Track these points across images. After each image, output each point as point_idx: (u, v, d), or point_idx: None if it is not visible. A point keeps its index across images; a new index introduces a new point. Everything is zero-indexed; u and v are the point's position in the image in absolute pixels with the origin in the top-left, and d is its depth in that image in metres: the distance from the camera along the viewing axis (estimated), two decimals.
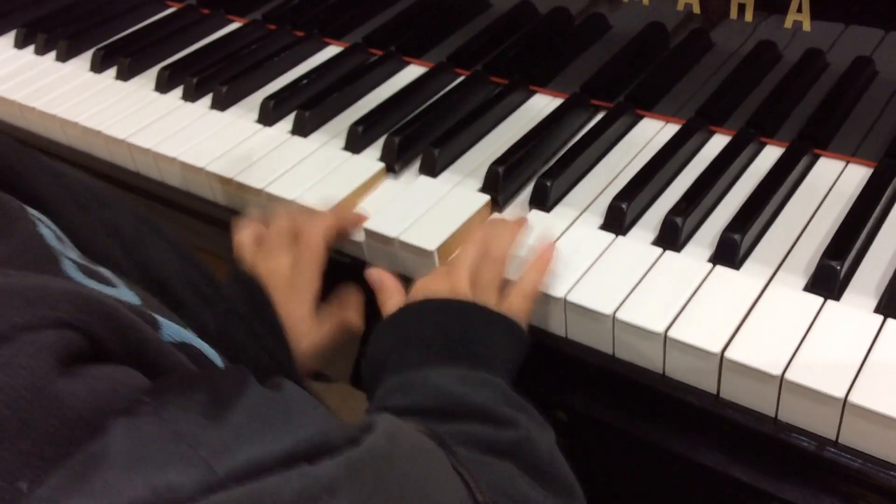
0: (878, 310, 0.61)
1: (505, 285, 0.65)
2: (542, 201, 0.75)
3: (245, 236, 0.73)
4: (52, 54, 1.08)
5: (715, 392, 0.61)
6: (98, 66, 1.04)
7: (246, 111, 0.93)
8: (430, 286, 0.64)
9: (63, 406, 0.32)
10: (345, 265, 0.75)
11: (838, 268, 0.62)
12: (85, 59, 1.06)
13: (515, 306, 0.63)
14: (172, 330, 0.42)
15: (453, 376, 0.55)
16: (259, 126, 0.91)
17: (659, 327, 0.61)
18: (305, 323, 0.68)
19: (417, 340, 0.59)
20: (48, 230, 0.44)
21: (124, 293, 0.43)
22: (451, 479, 0.42)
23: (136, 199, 0.91)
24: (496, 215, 0.75)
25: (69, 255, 0.42)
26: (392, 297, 0.67)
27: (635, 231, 0.71)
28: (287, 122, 0.90)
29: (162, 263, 0.57)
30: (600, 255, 0.68)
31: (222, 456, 0.33)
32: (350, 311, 0.71)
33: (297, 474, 0.34)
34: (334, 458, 0.35)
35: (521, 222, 0.70)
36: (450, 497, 0.41)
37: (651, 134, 0.83)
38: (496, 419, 0.52)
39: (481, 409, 0.52)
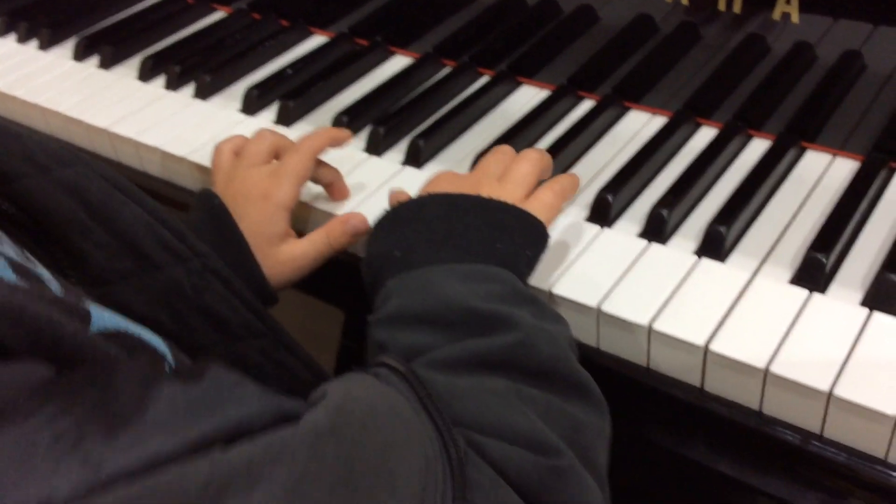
0: (863, 303, 0.61)
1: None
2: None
3: (226, 144, 0.73)
4: (35, 42, 1.07)
5: (699, 385, 0.60)
6: (80, 55, 1.03)
7: (229, 101, 0.92)
8: (448, 180, 0.63)
9: None
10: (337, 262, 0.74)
11: (824, 261, 0.62)
12: (67, 47, 1.05)
13: (545, 199, 0.62)
14: (105, 319, 0.40)
15: (456, 273, 0.54)
16: (242, 116, 0.90)
17: (643, 320, 0.60)
18: (280, 237, 0.67)
19: (423, 237, 0.58)
20: None
21: (54, 288, 0.42)
22: (416, 439, 0.40)
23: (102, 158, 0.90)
24: None
25: (6, 252, 0.41)
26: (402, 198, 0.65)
27: (621, 223, 0.70)
28: (271, 112, 0.89)
29: (132, 224, 0.56)
30: (586, 247, 0.68)
31: (109, 456, 0.31)
32: (337, 221, 0.69)
33: (203, 462, 0.32)
34: (253, 441, 0.33)
35: (547, 157, 0.68)
36: (410, 464, 0.38)
37: (638, 126, 0.82)
38: (491, 323, 0.50)
39: (476, 314, 0.51)
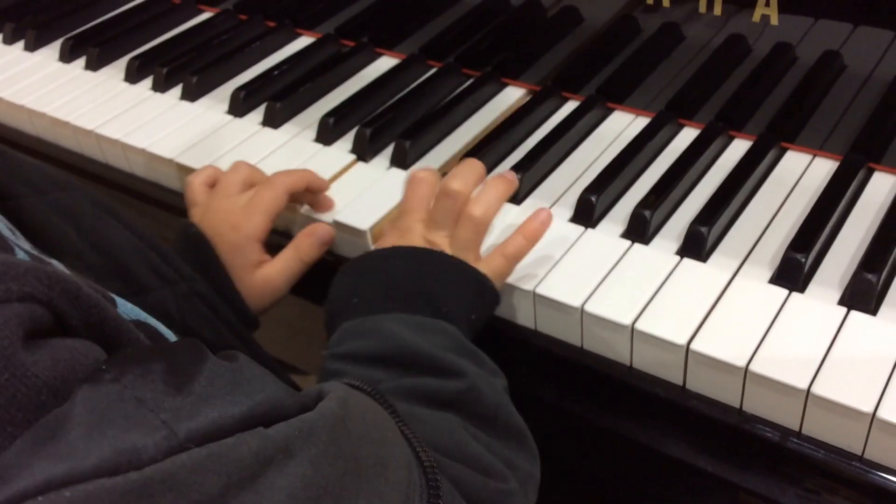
0: (841, 302, 0.62)
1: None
2: (513, 194, 0.75)
3: (198, 178, 0.74)
4: (21, 44, 1.07)
5: (681, 384, 0.61)
6: (67, 56, 1.03)
7: (216, 102, 0.93)
8: (408, 235, 0.64)
9: (29, 374, 0.33)
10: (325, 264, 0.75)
11: (803, 260, 0.63)
12: (54, 48, 1.05)
13: (493, 264, 0.63)
14: (128, 308, 0.43)
15: (408, 322, 0.56)
16: (229, 117, 0.90)
17: (626, 320, 0.61)
18: (253, 266, 0.68)
19: (378, 285, 0.60)
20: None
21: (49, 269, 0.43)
22: (399, 440, 0.44)
23: (93, 184, 0.91)
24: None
25: (22, 245, 0.42)
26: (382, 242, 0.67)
27: (605, 224, 0.71)
28: (258, 114, 0.90)
29: (120, 245, 0.58)
30: (570, 247, 0.68)
31: (182, 419, 0.34)
32: (303, 235, 0.71)
33: (253, 436, 0.35)
34: (288, 423, 0.37)
35: (508, 181, 0.67)
36: (399, 457, 0.42)
37: (621, 127, 0.83)
38: (442, 368, 0.53)
39: (428, 358, 0.53)
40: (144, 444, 0.32)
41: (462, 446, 0.50)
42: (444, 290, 0.59)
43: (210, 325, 0.60)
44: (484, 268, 0.62)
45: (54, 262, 0.44)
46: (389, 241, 0.64)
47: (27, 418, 0.33)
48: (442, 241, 0.64)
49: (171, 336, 0.46)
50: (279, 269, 0.69)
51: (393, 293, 0.59)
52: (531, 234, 0.64)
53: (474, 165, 0.67)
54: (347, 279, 0.62)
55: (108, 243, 0.57)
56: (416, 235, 0.64)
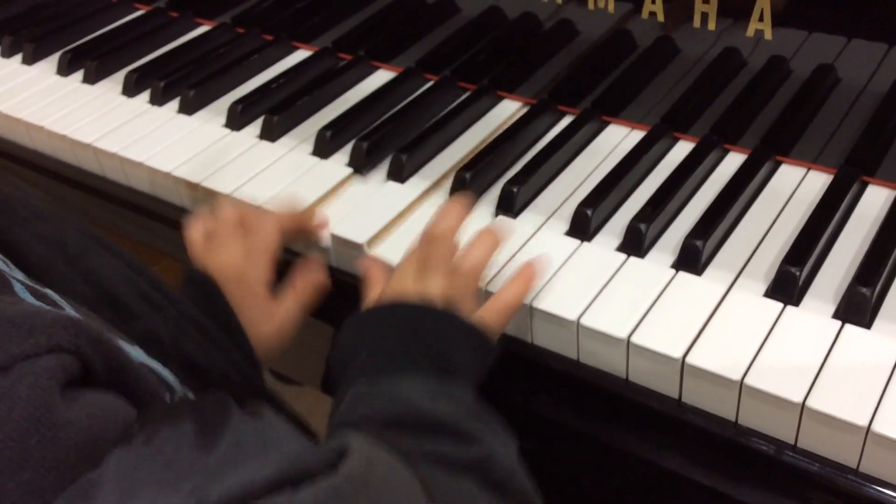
0: (836, 315, 0.62)
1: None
2: (509, 207, 0.75)
3: (195, 232, 0.73)
4: (18, 57, 1.08)
5: (677, 397, 0.61)
6: (65, 70, 1.03)
7: (214, 115, 0.93)
8: (405, 286, 0.64)
9: (61, 435, 0.33)
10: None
11: (798, 274, 0.63)
12: (51, 62, 1.05)
13: (491, 314, 0.63)
14: (131, 352, 0.43)
15: (422, 389, 0.55)
16: (227, 130, 0.90)
17: (622, 333, 0.61)
18: (261, 310, 0.68)
19: (388, 345, 0.59)
20: None
21: (69, 314, 0.43)
22: (419, 499, 0.43)
23: (91, 198, 0.91)
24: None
25: (17, 276, 0.42)
26: (373, 288, 0.67)
27: (600, 237, 0.72)
28: (255, 127, 0.90)
29: (108, 273, 0.57)
30: (565, 260, 0.69)
31: (213, 483, 0.33)
32: (300, 281, 0.71)
33: (283, 500, 0.34)
34: (315, 485, 0.36)
35: (494, 236, 0.67)
36: None
37: (616, 140, 0.84)
38: (461, 436, 0.52)
39: (447, 425, 0.53)
40: None
41: None
42: (449, 348, 0.59)
43: (204, 351, 0.60)
44: (482, 317, 0.62)
45: (49, 291, 0.44)
46: (406, 293, 0.63)
47: (58, 482, 0.32)
48: (437, 292, 0.62)
49: (169, 377, 0.45)
50: (283, 317, 0.69)
51: (398, 352, 0.59)
52: (527, 280, 0.65)
53: (453, 207, 0.66)
54: (353, 332, 0.62)
55: (95, 271, 0.57)
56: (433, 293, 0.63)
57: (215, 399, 0.39)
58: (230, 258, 0.69)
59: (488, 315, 0.63)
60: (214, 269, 0.68)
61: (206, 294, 0.66)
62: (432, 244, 0.64)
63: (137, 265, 0.60)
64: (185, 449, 0.35)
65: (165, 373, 0.45)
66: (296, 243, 0.76)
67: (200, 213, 0.75)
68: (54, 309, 0.40)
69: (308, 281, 0.71)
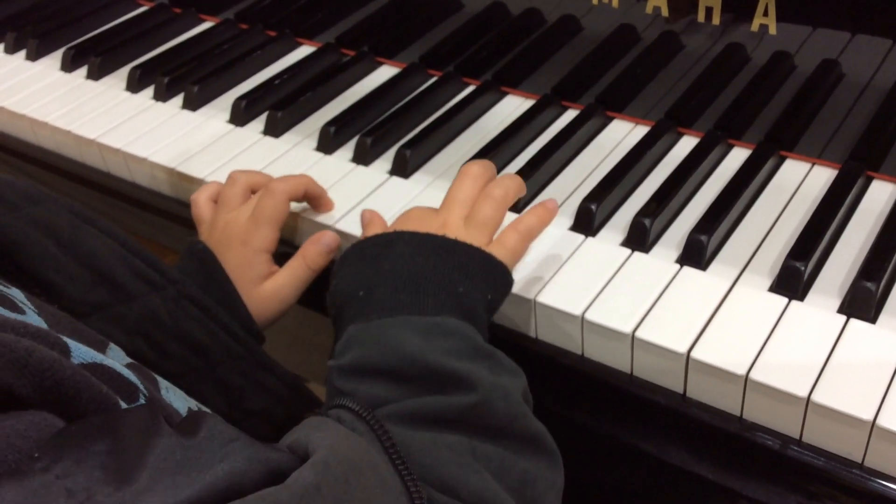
0: (841, 310, 0.62)
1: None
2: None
3: (201, 194, 0.74)
4: (22, 53, 1.08)
5: (682, 392, 0.61)
6: (68, 66, 1.03)
7: (217, 111, 0.93)
8: (417, 219, 0.63)
9: None
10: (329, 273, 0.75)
11: (802, 269, 0.63)
12: (55, 58, 1.05)
13: (508, 242, 0.62)
14: (82, 352, 0.40)
15: (416, 327, 0.54)
16: (231, 126, 0.90)
17: (626, 328, 0.61)
18: (263, 278, 0.68)
19: (387, 279, 0.57)
20: None
21: (32, 318, 0.42)
22: (390, 497, 0.42)
23: (95, 193, 0.91)
24: None
25: None
26: (372, 227, 0.66)
27: (604, 232, 0.72)
28: (259, 123, 0.90)
29: (103, 254, 0.57)
30: (570, 255, 0.69)
31: None
32: (310, 244, 0.70)
33: None
34: (244, 501, 0.34)
35: (521, 180, 0.68)
36: None
37: (621, 136, 0.83)
38: (450, 382, 0.51)
39: (435, 371, 0.51)
40: None
41: (465, 480, 0.47)
42: (456, 275, 0.57)
43: (205, 328, 0.59)
44: (499, 247, 0.61)
45: (13, 292, 0.43)
46: (419, 224, 0.62)
47: None
48: (457, 220, 0.62)
49: (130, 376, 0.43)
50: (287, 278, 0.69)
51: (401, 284, 0.57)
52: (544, 215, 0.65)
53: (488, 161, 0.68)
54: (350, 268, 0.60)
55: (90, 253, 0.56)
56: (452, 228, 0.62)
57: (140, 417, 0.36)
58: (237, 217, 0.69)
59: (508, 239, 0.62)
60: (220, 235, 0.68)
61: (206, 266, 0.66)
62: (467, 178, 0.64)
63: (133, 245, 0.59)
64: (89, 474, 0.32)
65: (126, 371, 0.42)
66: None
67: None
68: (13, 315, 0.38)
69: (318, 243, 0.70)
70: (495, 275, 0.59)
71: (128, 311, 0.55)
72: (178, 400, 0.47)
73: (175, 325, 0.58)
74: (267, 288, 0.68)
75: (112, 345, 0.47)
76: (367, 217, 0.69)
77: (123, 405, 0.39)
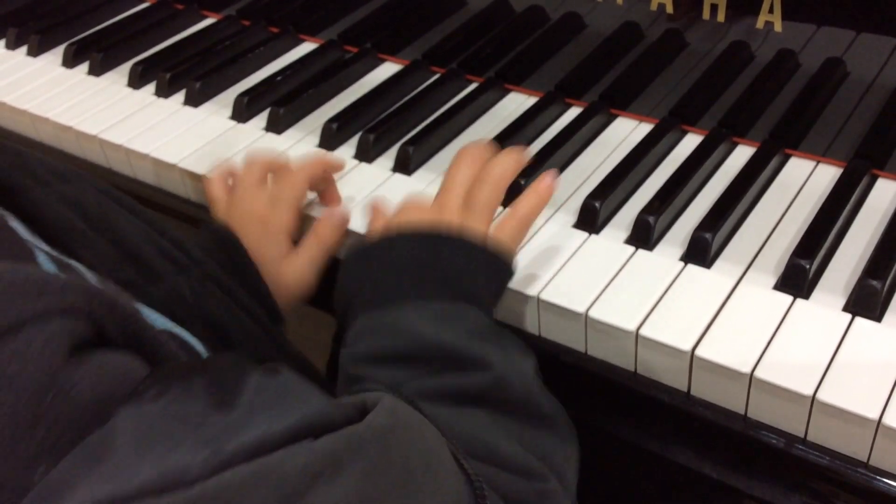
0: (846, 308, 0.62)
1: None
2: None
3: (216, 180, 0.74)
4: (24, 49, 1.07)
5: (686, 390, 0.61)
6: (70, 61, 1.03)
7: (220, 107, 0.93)
8: (415, 212, 0.63)
9: (73, 394, 0.33)
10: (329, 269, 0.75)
11: (807, 267, 0.63)
12: (57, 53, 1.05)
13: (507, 229, 0.62)
14: (154, 318, 0.43)
15: (426, 312, 0.55)
16: (233, 123, 0.90)
17: (630, 325, 0.61)
18: (283, 256, 0.68)
19: (390, 269, 0.58)
20: (17, 224, 0.44)
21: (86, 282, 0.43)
22: (445, 449, 0.43)
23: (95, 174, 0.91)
24: None
25: (41, 247, 0.42)
26: (375, 222, 0.66)
27: (608, 230, 0.71)
28: (261, 119, 0.90)
29: (131, 234, 0.57)
30: (573, 253, 0.68)
31: (227, 436, 0.33)
32: (322, 225, 0.71)
33: (301, 449, 0.34)
34: (336, 434, 0.36)
35: (521, 152, 0.68)
36: (448, 467, 0.41)
37: (625, 133, 0.83)
38: (467, 361, 0.52)
39: (451, 351, 0.52)
40: (190, 463, 0.32)
41: (495, 448, 0.49)
42: (458, 269, 0.58)
43: (227, 309, 0.60)
44: (498, 234, 0.61)
45: (73, 262, 0.44)
46: (417, 213, 0.63)
47: (71, 439, 0.32)
48: (455, 205, 0.63)
49: (197, 344, 0.45)
50: (302, 259, 0.69)
51: (406, 276, 0.57)
52: (542, 192, 0.64)
53: (486, 143, 0.68)
54: (356, 265, 0.61)
55: (118, 232, 0.56)
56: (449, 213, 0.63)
57: (230, 357, 0.39)
58: (255, 204, 0.69)
59: (507, 226, 0.63)
60: (238, 215, 0.68)
61: (226, 246, 0.66)
62: (465, 157, 0.65)
63: (159, 225, 0.60)
64: (199, 403, 0.34)
65: (191, 339, 0.45)
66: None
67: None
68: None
69: (330, 218, 0.70)
70: (496, 266, 0.60)
71: (154, 290, 0.55)
72: None
73: (198, 306, 0.58)
74: (286, 269, 0.68)
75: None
76: (371, 207, 0.69)
77: None
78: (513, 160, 0.66)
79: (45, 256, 0.41)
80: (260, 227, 0.68)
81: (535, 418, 0.53)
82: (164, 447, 0.32)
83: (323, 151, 0.84)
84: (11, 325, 0.33)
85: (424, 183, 0.79)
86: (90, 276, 0.44)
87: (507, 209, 0.64)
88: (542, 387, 0.54)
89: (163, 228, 0.59)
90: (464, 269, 0.58)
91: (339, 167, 0.76)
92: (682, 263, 0.66)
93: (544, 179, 0.65)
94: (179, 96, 0.95)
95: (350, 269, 0.61)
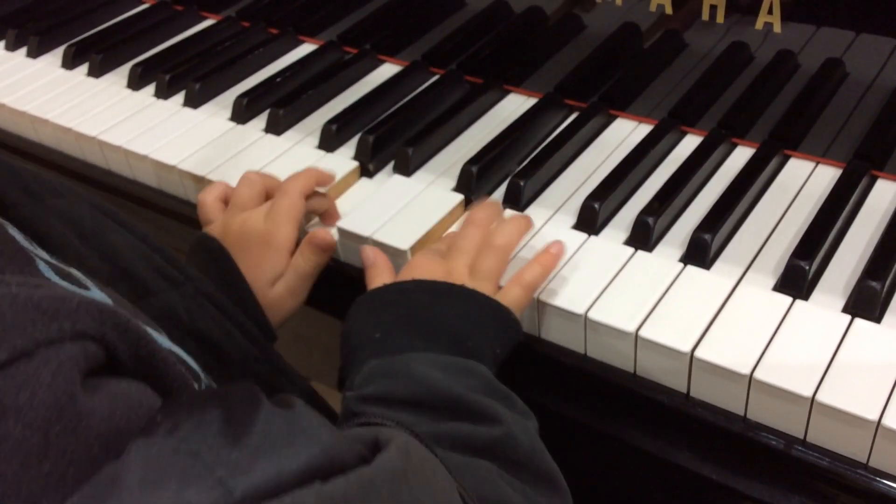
0: (845, 309, 0.62)
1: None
2: (516, 201, 0.75)
3: (209, 194, 0.73)
4: (23, 50, 1.07)
5: (685, 391, 0.61)
6: (69, 63, 1.03)
7: (219, 109, 0.93)
8: (425, 267, 0.63)
9: (83, 425, 0.32)
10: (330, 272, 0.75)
11: (807, 268, 0.63)
12: (56, 55, 1.05)
13: (512, 294, 0.63)
14: (161, 340, 0.41)
15: (435, 363, 0.55)
16: (232, 124, 0.90)
17: (630, 327, 0.61)
18: (279, 273, 0.68)
19: (400, 320, 0.59)
20: (16, 232, 0.44)
21: (96, 294, 0.42)
22: (455, 493, 0.42)
23: (96, 191, 0.91)
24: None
25: (41, 255, 0.42)
26: (381, 275, 0.66)
27: (608, 231, 0.71)
28: (261, 120, 0.90)
29: (123, 249, 0.57)
30: (573, 254, 0.68)
31: (239, 475, 0.32)
32: (309, 243, 0.70)
33: (311, 493, 0.33)
34: (347, 476, 0.35)
35: (527, 220, 0.69)
36: None
37: (624, 134, 0.83)
38: (476, 413, 0.52)
39: (462, 402, 0.52)
40: (199, 503, 0.31)
41: (503, 497, 0.49)
42: (468, 326, 0.59)
43: (220, 326, 0.59)
44: (504, 299, 0.62)
45: (73, 270, 0.43)
46: (427, 272, 0.63)
47: (80, 473, 0.31)
48: (463, 269, 0.63)
49: (194, 365, 0.44)
50: (293, 276, 0.69)
51: (416, 329, 0.58)
52: (547, 263, 0.65)
53: (494, 203, 0.69)
54: (366, 312, 0.61)
55: (111, 247, 0.56)
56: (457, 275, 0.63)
57: (243, 389, 0.38)
58: (252, 218, 0.69)
59: (512, 292, 0.63)
60: (234, 231, 0.68)
61: (220, 265, 0.66)
62: (471, 227, 0.65)
63: (152, 241, 0.59)
64: (211, 440, 0.33)
65: (190, 360, 0.44)
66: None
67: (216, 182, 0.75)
68: (80, 290, 0.39)
69: (310, 242, 0.70)
70: (507, 328, 0.61)
71: (147, 307, 0.55)
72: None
73: (192, 323, 0.58)
74: (279, 287, 0.68)
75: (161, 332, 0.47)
76: (371, 258, 0.68)
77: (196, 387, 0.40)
78: (517, 229, 0.67)
79: (44, 265, 0.40)
80: (261, 247, 0.67)
81: (537, 478, 0.53)
82: (173, 486, 0.31)
83: (322, 153, 0.84)
84: (24, 351, 0.32)
85: (424, 184, 0.78)
86: (90, 284, 0.43)
87: (513, 276, 0.64)
88: (544, 448, 0.55)
89: (156, 245, 0.59)
90: (476, 324, 0.59)
91: (329, 179, 0.75)
92: (681, 264, 0.66)
93: (550, 249, 0.66)
94: (179, 97, 0.95)
95: (361, 314, 0.61)
